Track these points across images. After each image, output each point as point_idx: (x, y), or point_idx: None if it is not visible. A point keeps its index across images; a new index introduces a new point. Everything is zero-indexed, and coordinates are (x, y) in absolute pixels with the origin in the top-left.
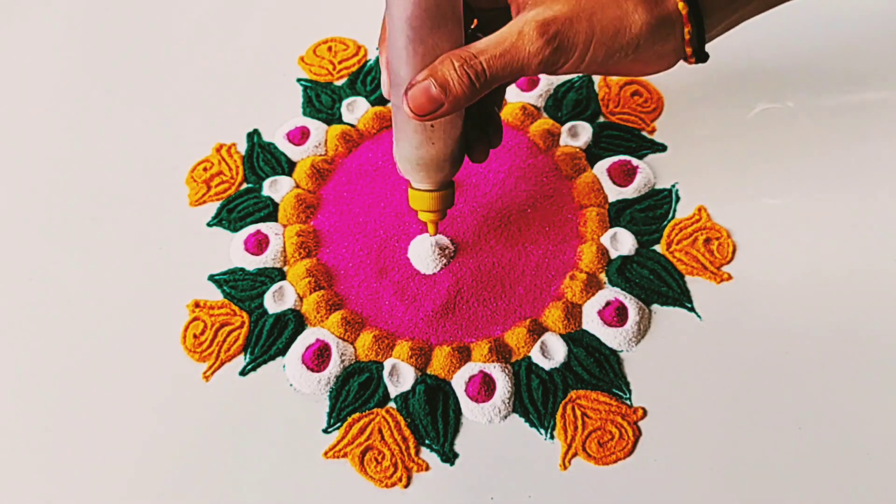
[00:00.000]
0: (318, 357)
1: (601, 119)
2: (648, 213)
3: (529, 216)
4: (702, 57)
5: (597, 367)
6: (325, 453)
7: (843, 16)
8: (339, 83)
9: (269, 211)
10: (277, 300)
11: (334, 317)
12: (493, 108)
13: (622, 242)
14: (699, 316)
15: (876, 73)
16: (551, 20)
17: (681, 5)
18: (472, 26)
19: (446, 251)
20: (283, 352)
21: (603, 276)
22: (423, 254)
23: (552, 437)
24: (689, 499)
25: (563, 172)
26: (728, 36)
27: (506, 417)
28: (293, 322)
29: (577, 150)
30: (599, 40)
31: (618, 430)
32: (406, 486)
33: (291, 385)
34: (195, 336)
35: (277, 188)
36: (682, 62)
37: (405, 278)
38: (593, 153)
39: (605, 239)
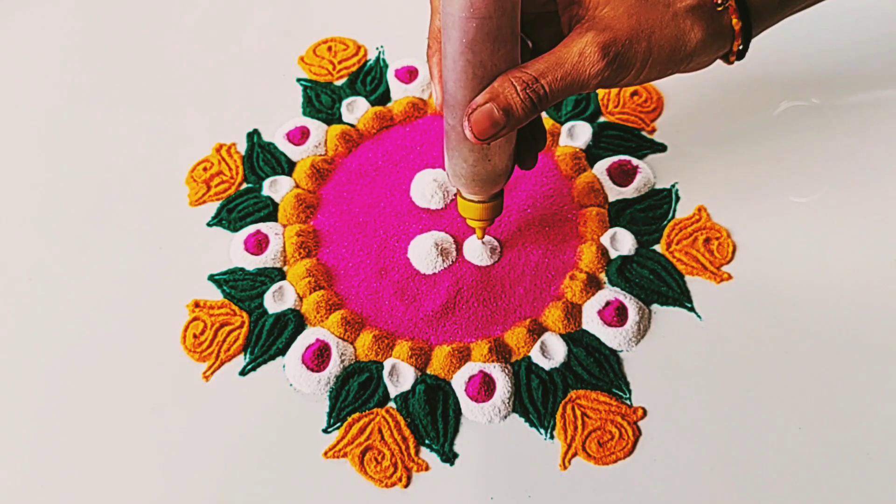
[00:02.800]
0: (318, 357)
1: (601, 119)
2: (648, 213)
3: (529, 216)
4: (742, 58)
5: (597, 367)
6: (325, 453)
7: (844, 15)
8: (339, 83)
9: (269, 211)
10: (277, 300)
11: (334, 317)
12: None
13: (622, 242)
14: (699, 316)
15: (879, 73)
16: (612, 42)
17: (734, 21)
18: None
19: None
20: (283, 352)
21: (603, 276)
22: (423, 254)
23: (552, 436)
24: (689, 499)
25: (563, 172)
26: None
27: (506, 417)
28: (293, 322)
29: (577, 150)
30: (657, 59)
31: (618, 430)
32: (406, 486)
33: (291, 385)
34: (195, 336)
35: (277, 188)
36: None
37: (405, 278)
38: (593, 153)
39: (605, 239)
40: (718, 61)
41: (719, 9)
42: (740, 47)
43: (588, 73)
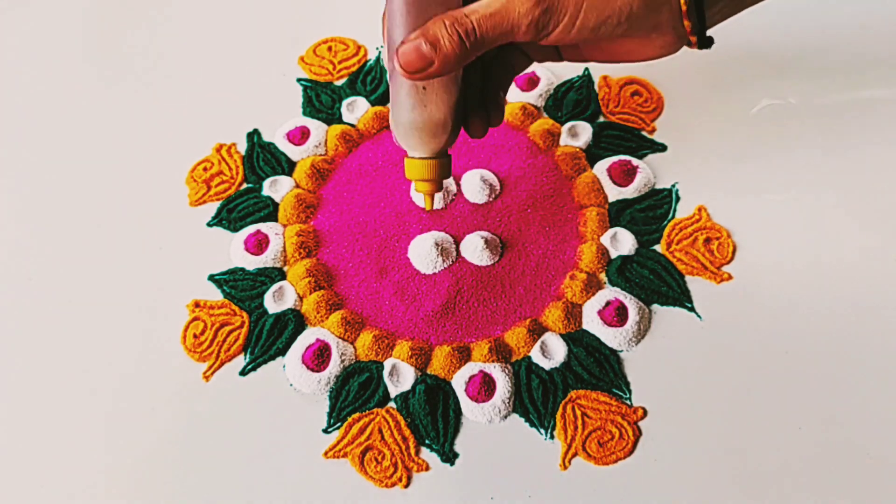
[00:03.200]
0: (318, 357)
1: (601, 119)
2: (648, 213)
3: (529, 216)
4: (704, 41)
5: (597, 367)
6: (325, 453)
7: (843, 15)
8: (339, 83)
9: (269, 211)
10: (277, 300)
11: (334, 317)
12: (499, 91)
13: (622, 242)
14: (699, 316)
15: (879, 72)
16: None
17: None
18: None
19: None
20: (283, 352)
21: (603, 276)
22: (423, 254)
23: (552, 436)
24: (689, 499)
25: (563, 172)
26: (729, 36)
27: (506, 417)
28: (293, 322)
29: (577, 150)
30: (591, 3)
31: (618, 430)
32: (406, 486)
33: (291, 385)
34: (195, 336)
35: (277, 188)
36: (686, 49)
37: (405, 278)
38: (593, 153)
39: (605, 239)
40: (723, 62)
41: None
42: (692, 18)
43: (517, 12)
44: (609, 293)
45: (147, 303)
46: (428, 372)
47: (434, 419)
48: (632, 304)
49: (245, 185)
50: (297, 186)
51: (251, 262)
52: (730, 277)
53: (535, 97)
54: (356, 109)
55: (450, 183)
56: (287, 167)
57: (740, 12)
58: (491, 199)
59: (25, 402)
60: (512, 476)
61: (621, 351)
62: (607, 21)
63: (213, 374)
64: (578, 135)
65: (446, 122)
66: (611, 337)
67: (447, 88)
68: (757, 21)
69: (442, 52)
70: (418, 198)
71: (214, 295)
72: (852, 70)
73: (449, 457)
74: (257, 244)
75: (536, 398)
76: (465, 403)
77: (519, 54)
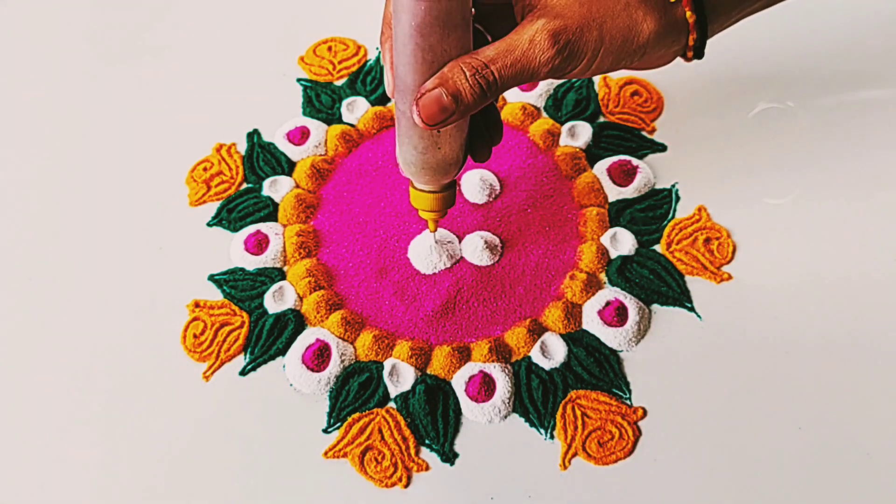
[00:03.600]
0: (318, 357)
1: (601, 119)
2: (648, 213)
3: (529, 216)
4: (700, 56)
5: (597, 367)
6: (325, 453)
7: (843, 15)
8: (339, 83)
9: (269, 211)
10: (277, 300)
11: (334, 317)
12: (494, 105)
13: (622, 242)
14: (699, 316)
15: (876, 73)
16: (562, 30)
17: (688, 14)
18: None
19: (448, 246)
20: (283, 352)
21: (603, 276)
22: (424, 254)
23: (552, 436)
24: (689, 499)
25: (563, 172)
26: (729, 36)
27: (506, 417)
28: (293, 322)
29: (577, 150)
30: (608, 49)
31: (618, 430)
32: (406, 486)
33: (291, 385)
34: (195, 336)
35: (277, 188)
36: (678, 59)
37: (405, 278)
38: (593, 153)
39: (605, 239)
40: (723, 62)
41: (672, 1)
42: (696, 42)
43: (538, 61)
44: (609, 293)
45: (147, 303)
46: (428, 372)
47: (434, 419)
48: (632, 304)
49: (245, 185)
50: (297, 186)
51: (251, 262)
52: (730, 277)
53: (535, 97)
54: (356, 109)
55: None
56: (287, 167)
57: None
58: (491, 199)
59: (25, 402)
60: (512, 476)
61: (621, 351)
62: (622, 61)
63: (213, 374)
64: (578, 135)
65: (458, 159)
66: (611, 337)
67: (460, 128)
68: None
69: (464, 103)
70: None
71: (214, 295)
72: (853, 72)
73: (449, 457)
74: (257, 244)
75: (536, 398)
76: (465, 403)
77: None
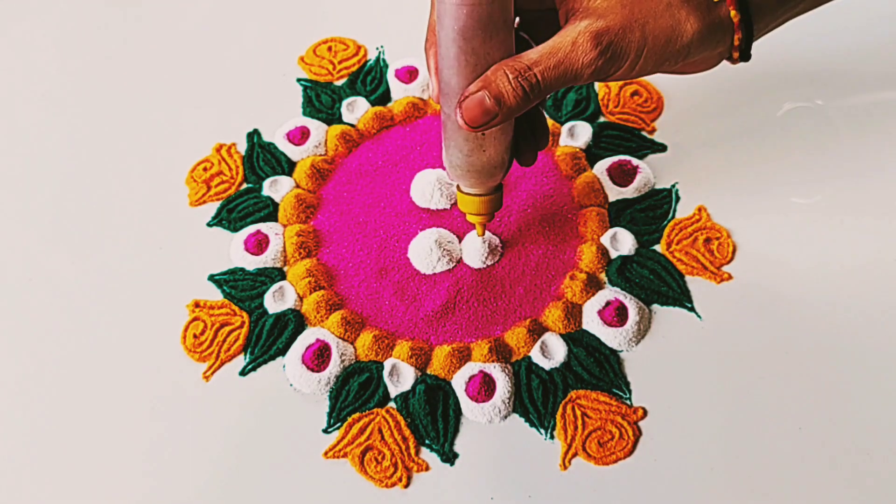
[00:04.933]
0: (318, 357)
1: (601, 119)
2: (648, 213)
3: (529, 216)
4: (747, 58)
5: (597, 367)
6: (325, 453)
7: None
8: (339, 83)
9: (269, 211)
10: (277, 300)
11: (334, 317)
12: (540, 108)
13: (622, 242)
14: (699, 316)
15: (876, 73)
16: (604, 31)
17: (733, 13)
18: (515, 26)
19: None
20: (283, 352)
21: (603, 276)
22: (424, 254)
23: (552, 437)
24: (689, 499)
25: (563, 172)
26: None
27: (506, 417)
28: (293, 322)
29: (577, 150)
30: (651, 49)
31: (618, 430)
32: (406, 486)
33: (291, 385)
34: (195, 336)
35: (277, 188)
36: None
37: (405, 278)
38: (593, 153)
39: (605, 239)
40: (725, 63)
41: (715, 0)
42: (741, 43)
43: (581, 63)
44: (609, 293)
45: (147, 303)
46: (428, 372)
47: (434, 419)
48: (632, 304)
49: (245, 185)
50: (297, 186)
51: (251, 262)
52: (730, 277)
53: None
54: (356, 109)
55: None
56: (287, 167)
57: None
58: None
59: (25, 402)
60: (512, 476)
61: (621, 351)
62: (665, 63)
63: (213, 374)
64: (578, 135)
65: (504, 162)
66: (611, 337)
67: (505, 131)
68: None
69: (507, 106)
70: (419, 198)
71: (214, 295)
72: (852, 71)
73: (449, 457)
74: (257, 244)
75: (536, 398)
76: (465, 403)
77: None
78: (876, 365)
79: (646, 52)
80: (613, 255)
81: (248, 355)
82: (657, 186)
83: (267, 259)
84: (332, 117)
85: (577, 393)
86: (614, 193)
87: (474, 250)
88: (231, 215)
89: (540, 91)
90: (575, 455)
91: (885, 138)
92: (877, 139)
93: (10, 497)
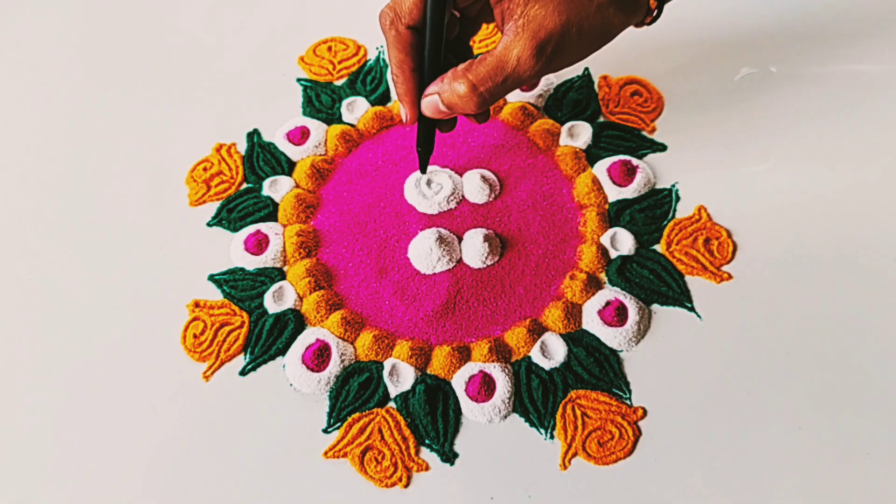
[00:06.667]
0: (318, 357)
1: (601, 119)
2: (648, 213)
3: (529, 216)
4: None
5: (597, 367)
6: (325, 453)
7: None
8: (339, 83)
9: (269, 211)
10: (277, 300)
11: (334, 317)
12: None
13: (622, 242)
14: (699, 316)
15: (882, 71)
16: (546, 41)
17: (651, 2)
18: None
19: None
20: (283, 352)
21: (603, 276)
22: (424, 254)
23: (552, 436)
24: (689, 499)
25: (563, 172)
26: (730, 34)
27: (506, 417)
28: (293, 322)
29: (577, 149)
30: (586, 46)
31: (618, 429)
32: (406, 486)
33: (291, 385)
34: (195, 336)
35: (277, 188)
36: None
37: (405, 278)
38: (593, 153)
39: (605, 239)
40: (682, 64)
41: None
42: (655, 13)
43: (527, 74)
44: (609, 293)
45: (147, 303)
46: (428, 372)
47: (434, 419)
48: (632, 304)
49: (245, 185)
50: (297, 186)
51: (251, 262)
52: (730, 277)
53: (534, 97)
54: (356, 109)
55: (457, 185)
56: (287, 167)
57: None
58: (491, 199)
59: (25, 402)
60: (512, 476)
61: (621, 351)
62: (593, 52)
63: (213, 374)
64: (578, 135)
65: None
66: (611, 337)
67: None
68: (758, 21)
69: (457, 112)
70: (414, 199)
71: (214, 295)
72: (853, 71)
73: (449, 457)
74: (257, 244)
75: (536, 398)
76: (465, 403)
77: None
78: (876, 365)
79: (580, 49)
80: (613, 255)
81: (248, 355)
82: (657, 186)
83: (267, 259)
84: (332, 117)
85: (577, 393)
86: (614, 193)
87: (474, 250)
88: (231, 215)
89: (486, 102)
90: (575, 455)
91: (886, 135)
92: (880, 137)
93: (10, 497)
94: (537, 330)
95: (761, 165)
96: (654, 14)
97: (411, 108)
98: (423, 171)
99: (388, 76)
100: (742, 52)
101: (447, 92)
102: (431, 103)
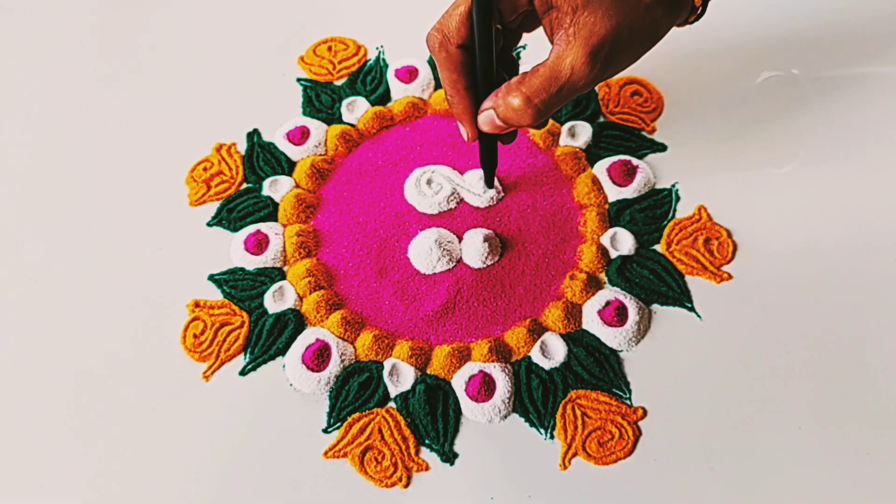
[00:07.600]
0: (318, 357)
1: (601, 119)
2: (648, 213)
3: (529, 216)
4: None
5: (597, 367)
6: (325, 453)
7: (847, 13)
8: (338, 83)
9: (269, 211)
10: (277, 300)
11: (334, 317)
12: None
13: (622, 242)
14: (699, 316)
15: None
16: (599, 47)
17: (697, 1)
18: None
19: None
20: (283, 352)
21: (603, 276)
22: (423, 254)
23: (552, 436)
24: (689, 499)
25: (563, 172)
26: (730, 34)
27: (506, 417)
28: (293, 322)
29: (577, 149)
30: (638, 49)
31: (618, 429)
32: (406, 486)
33: (291, 385)
34: (195, 336)
35: (277, 188)
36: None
37: (405, 278)
38: (593, 153)
39: (605, 239)
40: (681, 63)
41: None
42: (699, 11)
43: (582, 82)
44: (609, 293)
45: (147, 303)
46: (428, 372)
47: (434, 419)
48: (632, 304)
49: (245, 185)
50: (297, 186)
51: (251, 262)
52: (730, 277)
53: None
54: (356, 109)
55: (458, 185)
56: (287, 167)
57: None
58: (491, 199)
59: (25, 402)
60: (512, 476)
61: (621, 351)
62: (645, 53)
63: (213, 374)
64: (578, 135)
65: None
66: (611, 337)
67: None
68: (758, 21)
69: (513, 126)
70: (414, 199)
71: (214, 295)
72: (853, 72)
73: (449, 457)
74: (257, 244)
75: (536, 398)
76: (465, 403)
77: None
78: (876, 365)
79: (632, 52)
80: (613, 255)
81: (247, 355)
82: (657, 186)
83: (267, 259)
84: (331, 117)
85: (577, 393)
86: (614, 193)
87: (474, 250)
88: (231, 215)
89: (543, 114)
90: (575, 455)
91: (885, 134)
92: (881, 137)
93: (10, 497)
94: (537, 330)
95: (761, 166)
96: (699, 12)
97: (470, 127)
98: (490, 185)
99: (441, 94)
100: (742, 52)
101: (502, 106)
102: (488, 118)
